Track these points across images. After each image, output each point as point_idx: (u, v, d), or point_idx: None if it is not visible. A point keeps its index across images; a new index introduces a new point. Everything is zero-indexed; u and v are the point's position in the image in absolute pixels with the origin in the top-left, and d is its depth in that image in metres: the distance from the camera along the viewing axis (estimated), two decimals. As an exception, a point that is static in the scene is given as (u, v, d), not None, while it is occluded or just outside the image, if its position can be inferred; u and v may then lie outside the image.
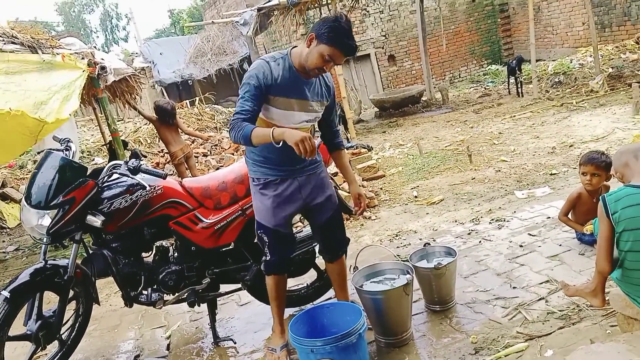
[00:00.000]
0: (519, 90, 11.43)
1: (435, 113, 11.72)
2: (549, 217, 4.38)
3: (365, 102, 14.42)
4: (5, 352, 2.82)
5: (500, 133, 8.36)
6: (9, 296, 2.74)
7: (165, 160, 8.43)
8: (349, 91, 14.92)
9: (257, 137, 2.54)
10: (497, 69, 15.86)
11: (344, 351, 2.52)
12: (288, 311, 3.45)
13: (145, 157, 3.06)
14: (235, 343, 3.31)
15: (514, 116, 9.45)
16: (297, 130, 2.52)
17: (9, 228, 6.98)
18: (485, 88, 14.10)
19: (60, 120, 4.54)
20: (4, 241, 6.84)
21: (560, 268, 3.48)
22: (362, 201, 3.12)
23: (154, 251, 3.29)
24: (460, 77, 16.90)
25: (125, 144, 3.07)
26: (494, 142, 7.79)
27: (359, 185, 3.10)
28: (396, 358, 2.87)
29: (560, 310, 2.96)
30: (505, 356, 2.67)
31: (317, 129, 3.11)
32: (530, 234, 4.14)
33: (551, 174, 5.69)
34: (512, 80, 11.77)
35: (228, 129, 2.76)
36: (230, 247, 3.35)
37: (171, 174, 7.59)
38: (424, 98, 13.01)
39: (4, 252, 6.33)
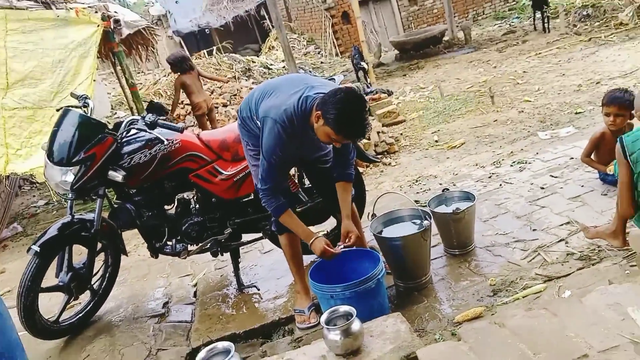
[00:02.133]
0: (545, 25, 11.00)
1: (458, 53, 11.41)
2: (572, 158, 4.30)
3: (385, 45, 14.07)
4: (40, 302, 2.97)
5: (524, 72, 8.13)
6: (39, 250, 2.86)
7: (186, 112, 8.46)
8: (368, 34, 14.59)
9: (287, 224, 2.76)
10: (524, 3, 15.21)
11: (364, 296, 2.58)
12: (308, 258, 3.53)
13: (167, 112, 3.07)
14: (258, 290, 3.41)
15: (539, 53, 9.15)
16: (320, 240, 2.70)
17: (38, 183, 7.17)
18: (510, 25, 13.60)
19: (89, 87, 4.61)
20: (34, 196, 7.05)
21: (581, 209, 3.44)
22: (352, 239, 2.81)
23: (176, 203, 3.37)
24: (484, 14, 16.27)
25: (160, 107, 3.08)
26: (517, 82, 7.59)
27: (354, 224, 2.90)
28: (415, 301, 2.92)
29: (580, 252, 2.95)
30: (523, 297, 2.70)
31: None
32: (552, 176, 4.08)
33: (576, 113, 5.55)
34: (538, 15, 11.31)
35: (260, 194, 2.74)
36: (251, 197, 3.41)
37: (191, 125, 7.64)
38: (445, 38, 12.63)
39: (35, 207, 6.55)
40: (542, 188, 3.90)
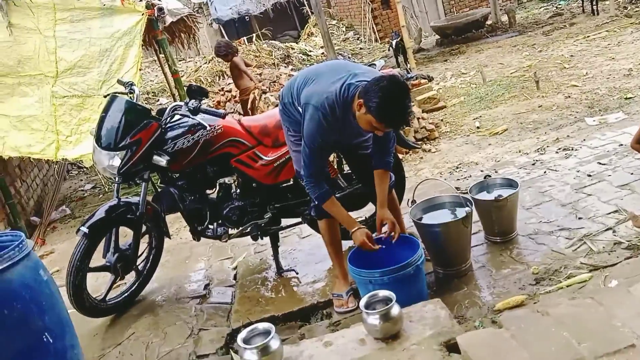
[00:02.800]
0: (594, 7, 10.58)
1: (501, 37, 11.11)
2: (622, 145, 4.15)
3: (425, 30, 13.82)
4: (88, 282, 3.09)
5: (571, 56, 7.86)
6: (87, 232, 2.97)
7: (226, 99, 8.56)
8: (409, 19, 14.35)
9: (331, 211, 2.77)
10: (571, -15, 14.66)
11: (402, 282, 2.58)
12: (346, 243, 3.54)
13: (207, 93, 3.10)
14: (297, 274, 3.45)
15: (588, 37, 8.82)
16: (362, 231, 2.71)
17: (85, 168, 7.39)
18: (556, 7, 13.14)
19: (135, 75, 4.76)
20: (81, 180, 7.29)
21: (630, 197, 3.33)
22: (388, 226, 2.78)
23: (217, 188, 3.43)
24: (529, -4, 15.76)
25: (199, 90, 3.14)
26: (564, 66, 7.34)
27: (393, 213, 2.88)
28: (455, 288, 2.90)
29: (628, 241, 2.86)
30: (567, 286, 2.63)
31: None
32: (600, 163, 3.95)
33: (626, 99, 5.34)
34: (586, -4, 10.89)
35: (304, 181, 2.78)
36: (290, 183, 3.43)
37: (231, 112, 7.74)
38: (488, 22, 12.31)
39: (82, 190, 6.77)
40: (589, 175, 3.78)
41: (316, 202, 2.81)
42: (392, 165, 2.90)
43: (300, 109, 2.69)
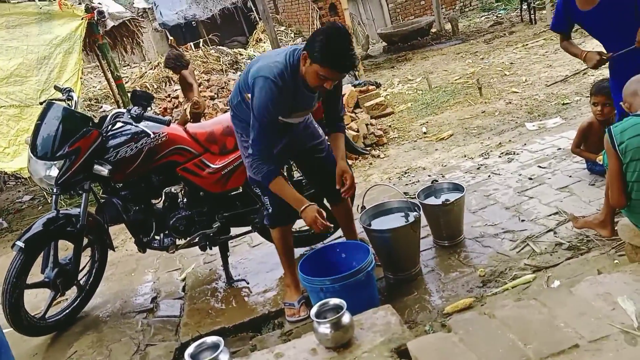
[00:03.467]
0: (532, 16, 11.03)
1: (445, 45, 11.41)
2: (560, 149, 4.32)
3: (373, 37, 14.05)
4: (26, 299, 2.93)
5: (511, 63, 8.15)
6: (23, 246, 2.82)
7: (173, 105, 8.38)
8: (356, 26, 14.52)
9: (278, 191, 2.66)
10: (511, -5, 15.24)
11: (354, 289, 2.57)
12: (298, 251, 3.51)
13: (153, 98, 3.00)
14: (248, 283, 3.39)
15: (526, 45, 9.18)
16: (312, 208, 2.59)
17: (24, 178, 7.06)
18: (497, 16, 13.64)
19: (76, 83, 4.59)
20: (19, 191, 6.95)
21: (569, 199, 3.46)
22: (348, 180, 2.76)
23: (163, 197, 3.33)
24: (471, 5, 16.28)
25: (145, 95, 3.02)
26: (505, 73, 7.61)
27: (348, 164, 2.86)
28: (405, 293, 2.92)
29: (568, 242, 2.97)
30: (512, 287, 2.71)
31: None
32: (540, 166, 4.10)
33: (563, 104, 5.57)
34: (524, 6, 11.33)
35: (250, 159, 2.66)
36: (239, 190, 3.37)
37: (177, 118, 7.57)
38: (433, 30, 12.64)
39: (20, 202, 6.45)
40: (530, 179, 3.91)
41: (262, 181, 2.68)
42: (344, 128, 2.94)
43: (250, 91, 2.60)
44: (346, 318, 2.13)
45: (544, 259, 2.89)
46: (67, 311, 3.22)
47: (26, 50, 4.60)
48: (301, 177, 3.45)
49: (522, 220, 3.36)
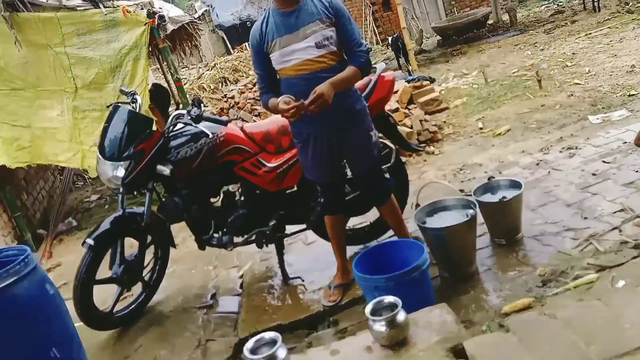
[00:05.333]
0: (595, 4, 10.56)
1: (503, 37, 11.10)
2: (626, 142, 4.13)
3: (427, 31, 13.84)
4: (95, 294, 3.09)
5: (573, 54, 7.84)
6: (93, 244, 2.98)
7: (229, 105, 8.57)
8: (410, 20, 14.36)
9: (271, 109, 2.88)
10: (572, -17, 14.63)
11: (409, 287, 2.56)
12: (353, 249, 3.54)
13: (205, 105, 3.11)
14: (303, 281, 3.44)
15: (590, 34, 8.80)
16: (281, 98, 2.67)
17: (91, 179, 7.43)
18: (557, 4, 13.14)
19: (144, 88, 4.95)
20: (87, 191, 7.31)
21: (636, 195, 3.31)
22: (315, 93, 2.58)
23: (221, 196, 3.43)
24: (530, -6, 15.74)
25: (199, 101, 3.17)
26: (566, 64, 7.32)
27: (330, 86, 2.63)
28: (461, 292, 2.88)
29: (634, 240, 2.84)
30: (574, 288, 2.62)
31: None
32: (604, 161, 3.93)
33: (629, 95, 5.31)
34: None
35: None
36: (294, 189, 3.43)
37: (235, 119, 7.75)
38: (490, 21, 12.32)
39: (88, 201, 6.79)
40: (594, 174, 3.77)
41: (263, 107, 2.96)
42: (362, 63, 2.78)
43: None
44: (401, 316, 2.14)
45: (608, 258, 2.78)
46: (133, 306, 3.37)
47: (99, 60, 4.92)
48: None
49: (585, 218, 3.24)
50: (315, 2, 2.76)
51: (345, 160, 3.11)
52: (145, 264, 3.34)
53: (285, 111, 2.61)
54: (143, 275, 3.35)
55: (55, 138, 5.01)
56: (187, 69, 15.43)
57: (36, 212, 5.92)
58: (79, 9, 4.80)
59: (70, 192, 7.29)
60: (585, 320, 1.98)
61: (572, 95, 5.91)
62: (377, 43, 14.29)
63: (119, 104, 3.27)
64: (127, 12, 4.80)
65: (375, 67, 3.53)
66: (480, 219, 3.18)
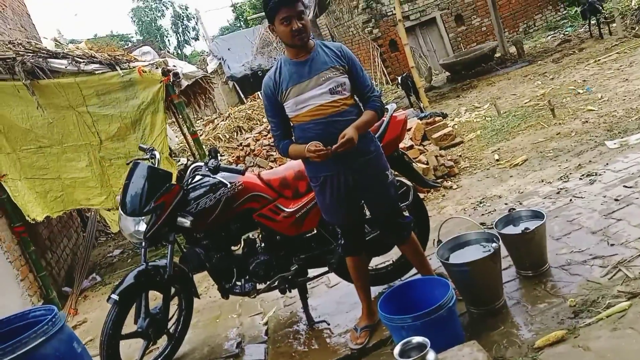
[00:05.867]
0: (601, 31, 10.64)
1: (511, 69, 11.19)
2: (646, 166, 4.09)
3: (435, 68, 14.02)
4: (121, 348, 3.09)
5: (584, 81, 7.86)
6: (118, 299, 3.00)
7: (245, 153, 8.70)
8: (417, 59, 14.60)
9: (294, 155, 2.94)
10: (576, 11, 14.79)
11: (436, 325, 2.52)
12: (377, 289, 3.50)
13: (222, 155, 3.20)
14: (328, 324, 3.41)
15: (599, 60, 8.84)
16: (309, 144, 2.72)
17: (112, 233, 7.53)
18: (564, 34, 13.27)
19: (163, 140, 5.28)
20: (109, 246, 7.40)
21: (662, 219, 3.25)
22: (344, 138, 2.68)
23: (242, 244, 3.45)
24: (535, 26, 15.94)
25: (215, 152, 3.28)
26: (578, 92, 7.33)
27: (355, 130, 2.74)
28: (491, 328, 2.82)
29: (664, 264, 2.78)
30: (607, 317, 2.55)
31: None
32: (625, 186, 3.88)
33: (645, 118, 5.28)
34: (593, 21, 10.96)
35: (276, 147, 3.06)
36: (314, 232, 3.44)
37: (251, 166, 7.85)
38: (497, 55, 12.45)
39: (111, 256, 6.86)
40: (616, 200, 3.71)
41: (283, 155, 2.99)
42: (378, 107, 2.89)
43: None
44: (430, 356, 2.10)
45: (638, 284, 2.71)
46: (159, 359, 3.35)
47: (120, 116, 5.24)
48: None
49: (612, 245, 3.18)
50: (327, 50, 2.85)
51: (363, 201, 3.13)
52: (169, 315, 3.34)
53: (314, 152, 2.70)
54: (168, 327, 3.35)
55: (86, 185, 5.36)
56: (202, 120, 15.75)
57: (61, 270, 5.99)
58: (97, 72, 5.01)
59: (94, 248, 7.38)
60: (619, 351, 1.93)
61: (586, 121, 5.90)
62: (387, 83, 14.49)
63: (139, 161, 3.35)
64: (143, 71, 4.99)
65: (387, 108, 3.59)
66: (504, 251, 3.14)
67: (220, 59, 20.98)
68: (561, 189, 4.31)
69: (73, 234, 6.94)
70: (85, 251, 6.64)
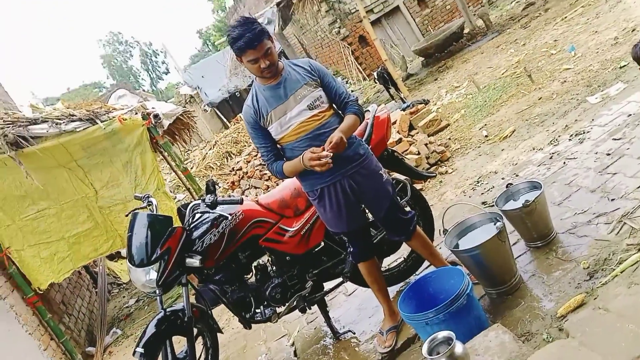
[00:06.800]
0: (562, -12, 10.72)
1: (482, 42, 11.26)
2: (630, 115, 4.13)
3: (408, 55, 14.08)
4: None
5: (555, 41, 7.93)
6: (143, 351, 3.00)
7: (239, 177, 8.72)
8: (389, 50, 14.66)
9: (290, 171, 2.92)
10: (533, -27, 14.90)
11: (458, 315, 2.55)
12: (394, 288, 3.53)
13: (217, 184, 3.23)
14: (354, 333, 3.43)
15: (565, 17, 8.90)
16: (306, 153, 2.75)
17: (124, 283, 7.54)
18: (526, -2, 13.34)
19: (157, 179, 5.38)
20: (124, 296, 7.40)
21: (656, 165, 3.29)
22: (332, 140, 2.71)
23: (254, 271, 3.47)
24: (498, -6, 16.05)
25: (213, 184, 3.32)
26: (551, 53, 7.40)
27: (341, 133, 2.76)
28: (512, 306, 2.85)
29: (667, 210, 2.81)
30: (621, 272, 2.57)
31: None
32: (614, 139, 3.93)
33: (621, 67, 5.34)
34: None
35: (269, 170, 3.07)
36: (321, 246, 3.46)
37: (247, 189, 7.86)
38: (466, 31, 12.52)
39: (127, 307, 6.86)
40: (608, 154, 3.76)
41: (278, 176, 3.01)
42: (358, 111, 2.93)
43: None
44: (459, 349, 2.12)
45: (646, 234, 2.74)
46: (196, 403, 3.35)
47: (110, 161, 5.30)
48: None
49: (612, 200, 3.22)
50: (296, 69, 2.90)
51: (363, 206, 3.16)
52: (197, 356, 3.34)
53: (317, 159, 2.69)
54: (198, 368, 3.35)
55: (91, 236, 5.40)
56: (189, 151, 15.76)
57: (81, 331, 5.99)
58: (78, 130, 5.03)
59: (109, 302, 7.38)
60: (638, 308, 1.95)
61: (565, 81, 5.95)
62: (364, 79, 14.55)
63: (137, 211, 3.35)
64: (124, 119, 5.02)
65: (369, 110, 3.62)
66: (510, 227, 3.17)
67: (195, 87, 21.04)
68: (553, 153, 4.35)
69: (86, 292, 6.93)
70: (100, 307, 6.64)
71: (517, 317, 2.74)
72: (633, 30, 6.17)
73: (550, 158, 4.29)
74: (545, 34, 8.68)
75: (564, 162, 4.06)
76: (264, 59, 2.71)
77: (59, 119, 5.14)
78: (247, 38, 2.64)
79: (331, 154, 2.70)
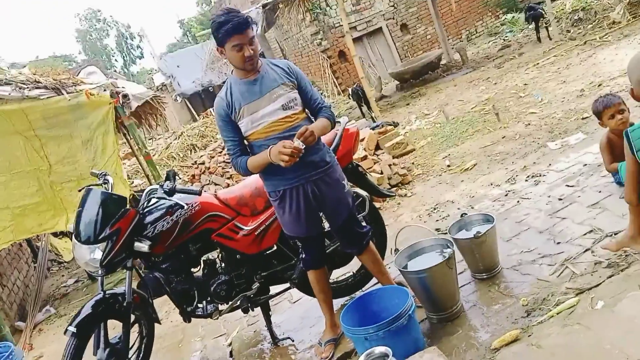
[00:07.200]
0: (539, 35, 11.13)
1: (457, 75, 11.55)
2: (586, 165, 4.30)
3: (385, 77, 14.30)
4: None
5: (525, 84, 8.20)
6: (75, 331, 2.91)
7: (200, 172, 8.62)
8: (367, 68, 14.84)
9: (255, 167, 2.89)
10: (514, 17, 15.43)
11: (397, 334, 2.59)
12: (339, 301, 3.55)
13: (178, 175, 3.18)
14: (293, 341, 3.42)
15: (538, 64, 9.23)
16: (273, 146, 2.74)
17: (65, 262, 7.31)
18: (504, 39, 13.78)
19: (116, 161, 5.20)
20: (63, 275, 7.17)
21: (602, 215, 3.43)
22: (302, 133, 2.72)
23: (202, 265, 3.43)
24: (477, 32, 16.54)
25: (174, 174, 3.26)
26: (520, 95, 7.64)
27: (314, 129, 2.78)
28: (450, 332, 2.91)
29: (607, 259, 2.93)
30: (557, 314, 2.67)
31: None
32: (568, 185, 4.08)
33: (583, 119, 5.56)
34: (531, 26, 11.43)
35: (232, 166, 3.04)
36: (274, 249, 3.46)
37: (207, 184, 7.78)
38: (443, 62, 12.82)
39: (65, 286, 6.65)
40: (560, 199, 3.90)
41: (247, 175, 3.02)
42: (331, 117, 2.99)
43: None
44: (393, 365, 2.15)
45: (585, 280, 2.85)
46: (122, 390, 3.27)
47: (70, 135, 5.14)
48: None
49: (558, 243, 3.33)
50: (275, 68, 2.92)
51: (322, 214, 3.18)
52: (130, 344, 3.27)
53: (288, 150, 2.67)
54: (129, 356, 3.27)
55: (37, 211, 5.20)
56: (154, 139, 15.49)
57: (12, 304, 5.77)
58: (42, 97, 4.89)
59: (46, 279, 7.13)
60: (569, 347, 2.04)
61: (529, 124, 6.16)
62: (339, 94, 14.67)
63: (91, 187, 3.27)
64: (91, 94, 4.91)
65: (340, 122, 3.66)
66: (459, 256, 3.24)
67: (169, 76, 20.75)
68: (509, 191, 4.48)
69: (24, 265, 6.69)
70: (37, 283, 6.42)
71: (454, 344, 2.80)
72: (599, 85, 6.45)
73: (506, 195, 4.42)
74: (516, 77, 8.97)
75: (518, 201, 4.19)
76: (248, 47, 2.72)
77: (24, 84, 4.98)
78: (235, 22, 2.66)
79: (302, 146, 2.70)
